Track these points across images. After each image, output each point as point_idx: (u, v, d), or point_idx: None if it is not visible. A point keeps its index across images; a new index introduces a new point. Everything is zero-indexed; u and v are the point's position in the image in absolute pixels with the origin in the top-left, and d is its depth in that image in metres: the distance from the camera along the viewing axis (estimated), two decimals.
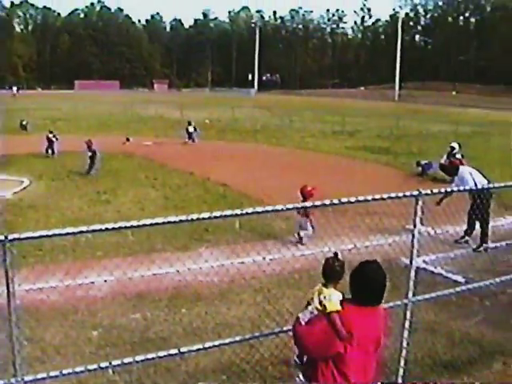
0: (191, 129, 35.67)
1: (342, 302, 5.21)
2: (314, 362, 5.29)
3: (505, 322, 9.40)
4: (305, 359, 5.70)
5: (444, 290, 8.08)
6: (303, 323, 5.41)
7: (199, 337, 8.40)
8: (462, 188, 7.65)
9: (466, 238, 14.26)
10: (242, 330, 8.33)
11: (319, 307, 5.28)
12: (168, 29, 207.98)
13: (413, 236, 6.59)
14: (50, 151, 28.14)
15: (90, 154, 23.87)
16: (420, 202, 6.42)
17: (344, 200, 5.83)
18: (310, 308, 5.43)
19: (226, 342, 6.44)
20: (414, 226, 6.54)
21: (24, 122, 41.29)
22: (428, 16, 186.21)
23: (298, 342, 5.49)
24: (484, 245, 13.83)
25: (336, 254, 5.62)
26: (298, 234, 13.50)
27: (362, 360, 5.13)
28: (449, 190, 6.71)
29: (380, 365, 5.56)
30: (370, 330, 5.12)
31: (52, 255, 12.01)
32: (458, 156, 22.62)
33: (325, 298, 5.24)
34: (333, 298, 5.24)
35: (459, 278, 11.18)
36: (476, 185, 13.73)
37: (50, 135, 28.34)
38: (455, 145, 24.30)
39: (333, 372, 5.12)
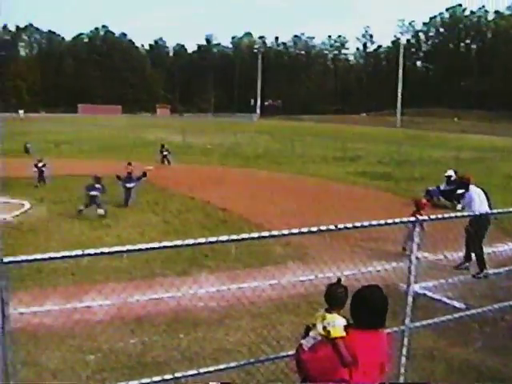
0: (165, 152, 37.09)
1: (345, 328, 5.20)
2: None
3: (504, 348, 9.35)
4: None
5: (443, 316, 8.06)
6: (306, 349, 5.39)
7: (196, 362, 8.38)
8: (460, 214, 7.65)
9: (466, 263, 14.23)
10: (239, 356, 8.30)
11: (323, 333, 5.26)
12: (171, 54, 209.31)
13: (410, 262, 6.59)
14: (40, 181, 26.58)
15: (131, 184, 22.53)
16: (417, 229, 6.43)
17: (341, 226, 5.84)
18: (312, 334, 5.41)
19: (222, 368, 6.42)
20: (412, 252, 6.55)
21: (28, 145, 41.51)
22: (429, 42, 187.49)
23: (301, 368, 5.45)
24: (484, 271, 13.80)
25: (339, 280, 5.62)
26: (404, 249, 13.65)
27: None
28: (446, 215, 6.68)
29: None
30: (375, 354, 5.11)
31: (51, 278, 11.98)
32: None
33: (328, 323, 5.23)
34: (337, 324, 5.22)
35: (459, 305, 11.14)
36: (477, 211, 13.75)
37: (40, 164, 26.99)
38: (451, 172, 24.46)
39: None
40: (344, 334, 5.13)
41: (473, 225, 13.54)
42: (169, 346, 9.11)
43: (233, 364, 6.56)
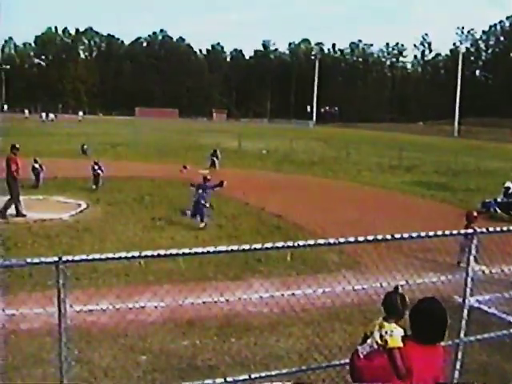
0: (214, 157, 37.46)
1: (403, 339, 5.15)
2: None
3: None
4: None
5: (498, 330, 7.93)
6: (362, 356, 5.35)
7: (247, 367, 8.40)
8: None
9: None
10: (289, 363, 8.30)
11: (380, 341, 5.23)
12: (228, 59, 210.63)
13: (466, 274, 6.50)
14: (96, 183, 25.77)
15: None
16: (475, 241, 6.33)
17: (397, 236, 5.80)
18: (369, 341, 5.37)
19: (273, 374, 6.43)
20: (468, 265, 6.45)
21: (85, 147, 42.20)
22: (489, 51, 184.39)
23: (355, 375, 5.42)
24: None
25: (396, 288, 5.56)
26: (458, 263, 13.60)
27: None
28: (504, 228, 6.57)
29: None
30: (430, 370, 5.02)
31: (105, 278, 12.17)
32: None
33: (386, 332, 5.19)
34: (394, 334, 5.18)
35: None
36: None
37: (96, 167, 26.04)
38: (510, 184, 23.90)
39: None
40: (401, 344, 5.08)
41: None
42: (220, 350, 9.13)
43: (284, 371, 6.57)
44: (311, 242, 5.41)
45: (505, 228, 6.74)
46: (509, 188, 23.58)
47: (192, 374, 7.97)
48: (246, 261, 13.66)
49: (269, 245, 5.18)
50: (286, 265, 13.70)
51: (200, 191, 19.32)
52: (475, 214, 15.13)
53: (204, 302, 10.56)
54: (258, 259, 13.88)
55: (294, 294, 10.46)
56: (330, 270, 13.26)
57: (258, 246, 5.19)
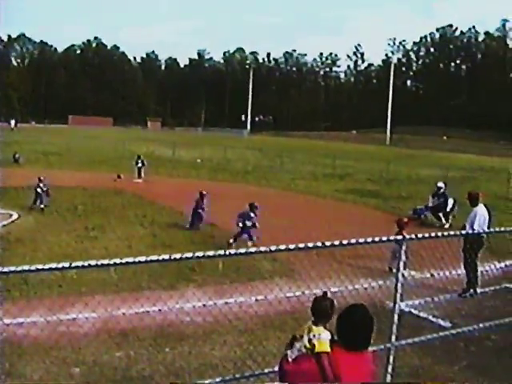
0: (140, 164, 35.95)
1: (331, 343, 5.18)
2: None
3: (489, 367, 9.37)
4: None
5: (429, 334, 8.08)
6: (290, 360, 5.37)
7: (181, 377, 8.35)
8: (446, 233, 7.66)
9: (471, 290, 14.05)
10: (224, 371, 8.27)
11: (308, 346, 5.24)
12: (163, 67, 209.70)
13: (396, 280, 6.60)
14: (38, 203, 23.03)
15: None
16: (404, 247, 6.44)
17: (328, 243, 5.86)
18: (297, 345, 5.38)
19: (206, 383, 6.41)
20: (398, 270, 6.55)
21: (16, 156, 41.31)
22: (420, 62, 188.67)
23: (284, 379, 5.42)
24: (470, 290, 13.80)
25: (325, 293, 5.62)
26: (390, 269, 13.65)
27: None
28: (433, 234, 6.71)
29: None
30: (358, 375, 5.05)
31: (37, 289, 11.92)
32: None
33: (314, 336, 5.21)
34: (322, 337, 5.20)
35: (444, 323, 11.16)
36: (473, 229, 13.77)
37: (41, 184, 23.34)
38: (441, 184, 24.71)
39: None
40: (329, 349, 5.11)
41: (468, 243, 13.53)
42: (154, 360, 9.06)
43: (218, 379, 6.55)
44: (242, 250, 5.42)
45: (433, 234, 6.88)
46: (440, 188, 24.34)
47: None
48: (180, 270, 13.57)
49: (200, 254, 5.17)
50: (220, 274, 13.67)
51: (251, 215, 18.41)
52: (405, 220, 15.36)
53: (137, 313, 10.47)
54: (191, 268, 13.80)
55: (227, 302, 10.46)
56: (264, 277, 13.29)
57: (189, 254, 5.18)
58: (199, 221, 20.56)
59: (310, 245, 5.65)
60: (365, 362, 5.16)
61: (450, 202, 23.65)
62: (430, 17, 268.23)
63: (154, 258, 5.02)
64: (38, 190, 23.08)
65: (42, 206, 22.87)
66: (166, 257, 5.07)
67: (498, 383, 8.97)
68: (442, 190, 24.23)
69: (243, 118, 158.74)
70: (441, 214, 23.60)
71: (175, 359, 9.09)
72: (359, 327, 5.05)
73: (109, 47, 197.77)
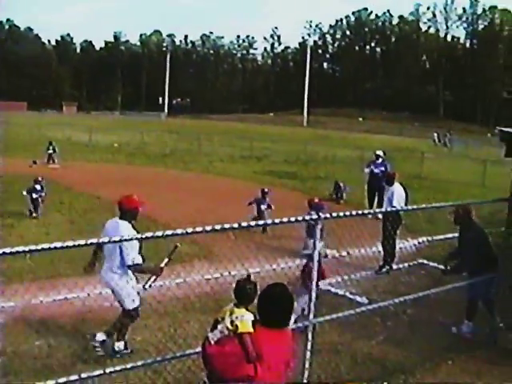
0: (51, 150, 35.21)
1: (253, 324, 5.25)
2: (224, 383, 5.23)
3: (406, 341, 9.69)
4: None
5: (347, 311, 8.25)
6: (213, 343, 5.39)
7: (103, 363, 8.29)
8: (361, 212, 7.82)
9: (387, 266, 14.37)
10: (146, 355, 8.27)
11: (230, 327, 5.29)
12: (78, 50, 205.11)
13: (312, 259, 6.70)
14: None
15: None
16: (319, 226, 6.53)
17: (244, 224, 5.90)
18: (219, 327, 5.42)
19: (128, 367, 6.38)
20: (314, 249, 6.65)
21: None
22: (336, 45, 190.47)
23: (207, 362, 5.45)
24: (386, 267, 14.16)
25: (249, 276, 5.68)
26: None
27: (273, 383, 5.15)
28: (347, 213, 6.83)
29: None
30: (280, 352, 5.17)
31: None
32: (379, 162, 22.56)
33: (237, 317, 5.28)
34: (245, 318, 5.27)
35: (361, 299, 11.42)
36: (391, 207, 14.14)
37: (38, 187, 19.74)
38: (380, 152, 23.07)
39: None
40: (251, 329, 5.19)
41: (387, 221, 13.88)
42: (75, 347, 8.97)
43: (139, 363, 6.53)
44: (159, 233, 5.38)
45: (347, 213, 6.99)
46: (379, 156, 22.95)
47: (47, 373, 7.72)
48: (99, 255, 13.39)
49: (116, 238, 5.13)
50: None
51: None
52: (316, 200, 15.48)
53: (55, 300, 10.32)
54: None
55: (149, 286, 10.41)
56: (183, 260, 13.26)
57: (106, 239, 5.12)
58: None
59: (227, 226, 5.66)
60: (285, 339, 5.27)
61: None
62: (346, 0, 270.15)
63: (70, 243, 4.93)
64: (34, 195, 19.58)
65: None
66: (82, 242, 4.99)
67: (414, 355, 9.29)
68: (380, 159, 22.63)
69: (161, 101, 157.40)
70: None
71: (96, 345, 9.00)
72: (279, 305, 5.14)
73: (22, 29, 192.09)
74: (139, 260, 8.77)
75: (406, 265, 14.66)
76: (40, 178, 20.11)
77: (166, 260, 8.33)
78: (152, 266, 8.97)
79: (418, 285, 11.32)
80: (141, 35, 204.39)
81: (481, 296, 10.21)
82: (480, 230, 10.24)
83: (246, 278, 5.70)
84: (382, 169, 21.90)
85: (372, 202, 22.24)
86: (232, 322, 5.31)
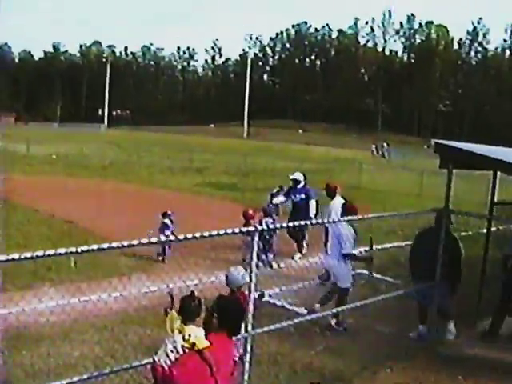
0: None
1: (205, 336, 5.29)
2: None
3: (345, 350, 9.80)
4: None
5: (285, 321, 8.31)
6: (167, 365, 5.34)
7: (40, 378, 8.15)
8: (298, 223, 7.90)
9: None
10: (84, 370, 8.15)
11: (186, 345, 5.28)
12: (17, 60, 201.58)
13: (250, 270, 6.74)
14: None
15: None
16: (256, 238, 6.57)
17: (181, 237, 5.89)
18: (169, 347, 5.38)
19: (65, 383, 6.29)
20: (251, 261, 6.69)
21: None
22: (276, 57, 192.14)
23: None
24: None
25: (192, 292, 5.67)
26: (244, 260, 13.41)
27: None
28: (284, 225, 6.90)
29: None
30: (229, 361, 5.43)
31: None
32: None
33: (190, 335, 5.26)
34: (199, 335, 5.29)
35: (300, 310, 11.50)
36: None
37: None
38: (298, 176, 17.63)
39: None
40: (208, 343, 5.21)
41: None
42: (11, 364, 8.77)
43: (76, 378, 6.45)
44: (94, 246, 5.34)
45: (284, 224, 7.07)
46: (298, 181, 17.47)
47: None
48: (36, 269, 13.16)
49: (51, 252, 5.07)
50: (77, 271, 13.37)
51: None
52: (250, 212, 15.26)
53: None
54: (48, 267, 13.42)
55: (86, 300, 10.29)
56: (123, 273, 13.16)
57: (41, 253, 5.06)
58: None
59: (163, 239, 5.67)
60: (231, 349, 5.42)
61: (313, 204, 16.89)
62: (286, 12, 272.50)
63: (2, 258, 4.85)
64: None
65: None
66: (16, 256, 4.91)
67: (353, 364, 9.41)
68: (301, 184, 17.39)
69: (100, 112, 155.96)
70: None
71: (34, 362, 8.80)
72: (232, 315, 5.27)
73: None
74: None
75: None
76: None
77: None
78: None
79: (356, 294, 11.45)
80: (81, 46, 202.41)
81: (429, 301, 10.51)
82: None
83: (189, 294, 5.70)
84: (303, 196, 17.02)
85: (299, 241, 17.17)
86: (187, 340, 5.31)
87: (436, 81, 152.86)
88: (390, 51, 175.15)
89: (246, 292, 6.90)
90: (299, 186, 17.32)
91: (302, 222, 7.99)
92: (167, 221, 16.34)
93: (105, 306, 9.71)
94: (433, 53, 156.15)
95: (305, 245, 16.81)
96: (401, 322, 10.85)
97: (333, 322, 10.74)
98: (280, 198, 17.93)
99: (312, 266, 13.70)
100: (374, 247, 11.53)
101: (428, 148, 75.92)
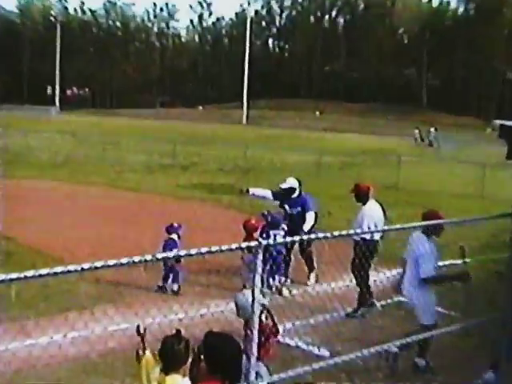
0: None
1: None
2: None
3: None
4: None
5: (301, 366, 8.27)
6: None
7: None
8: (307, 237, 7.84)
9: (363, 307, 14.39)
10: None
11: None
12: None
13: (253, 300, 6.63)
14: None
15: None
16: (260, 256, 6.47)
17: (159, 256, 5.87)
18: None
19: None
20: (254, 287, 6.57)
21: None
22: (284, 15, 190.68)
23: None
24: (361, 309, 14.19)
25: (178, 332, 5.64)
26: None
27: None
28: (298, 238, 6.87)
29: None
30: None
31: None
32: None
33: None
34: None
35: (321, 351, 11.46)
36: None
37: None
38: (292, 182, 17.39)
39: None
40: None
41: (358, 250, 13.70)
42: None
43: None
44: (44, 271, 5.30)
45: (298, 237, 7.04)
46: (293, 190, 17.20)
47: None
48: None
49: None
50: (21, 305, 13.34)
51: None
52: (253, 221, 15.31)
53: None
54: None
55: (32, 344, 10.26)
56: (83, 306, 13.15)
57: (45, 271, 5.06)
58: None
59: (136, 259, 5.61)
60: None
61: (311, 216, 16.58)
62: None
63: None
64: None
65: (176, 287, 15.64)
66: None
67: None
68: (296, 193, 17.19)
69: (49, 90, 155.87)
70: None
71: None
72: (227, 359, 5.23)
73: None
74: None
75: (378, 304, 14.77)
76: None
77: None
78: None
79: (394, 330, 11.43)
80: (19, 1, 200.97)
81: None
82: None
83: (174, 334, 5.68)
84: (299, 209, 16.96)
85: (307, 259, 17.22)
86: None
87: (504, 40, 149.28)
88: (440, 2, 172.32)
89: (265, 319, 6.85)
90: (294, 196, 17.25)
91: (321, 235, 7.83)
92: (174, 236, 16.09)
93: (59, 351, 9.68)
94: (499, 2, 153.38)
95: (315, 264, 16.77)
96: (461, 365, 10.80)
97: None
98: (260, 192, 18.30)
99: (334, 292, 13.71)
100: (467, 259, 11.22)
101: (492, 132, 75.88)
